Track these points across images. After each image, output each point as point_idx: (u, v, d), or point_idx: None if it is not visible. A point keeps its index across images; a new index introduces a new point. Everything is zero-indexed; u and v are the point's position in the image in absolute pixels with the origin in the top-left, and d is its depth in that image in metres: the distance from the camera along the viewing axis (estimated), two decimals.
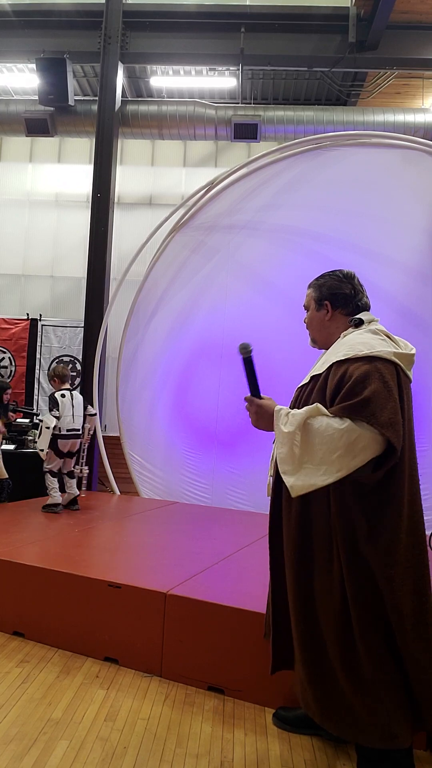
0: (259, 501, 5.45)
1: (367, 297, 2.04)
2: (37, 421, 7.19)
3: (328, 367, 1.84)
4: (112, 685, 2.41)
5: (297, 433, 1.70)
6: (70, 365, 7.47)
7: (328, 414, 1.69)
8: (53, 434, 4.52)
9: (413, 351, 1.87)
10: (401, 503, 1.75)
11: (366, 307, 2.01)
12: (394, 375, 1.74)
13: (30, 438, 6.49)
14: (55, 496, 4.53)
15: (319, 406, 1.72)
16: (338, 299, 2.00)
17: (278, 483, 1.90)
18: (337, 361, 1.81)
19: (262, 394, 1.88)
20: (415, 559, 1.73)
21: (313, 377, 1.92)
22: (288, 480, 1.71)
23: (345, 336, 1.93)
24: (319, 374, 1.87)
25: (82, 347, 6.64)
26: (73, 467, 4.82)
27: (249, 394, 1.87)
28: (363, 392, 1.67)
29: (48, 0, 7.07)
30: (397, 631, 1.69)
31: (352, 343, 1.82)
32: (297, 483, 1.69)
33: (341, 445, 1.64)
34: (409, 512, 1.75)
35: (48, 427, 4.47)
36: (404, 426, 1.75)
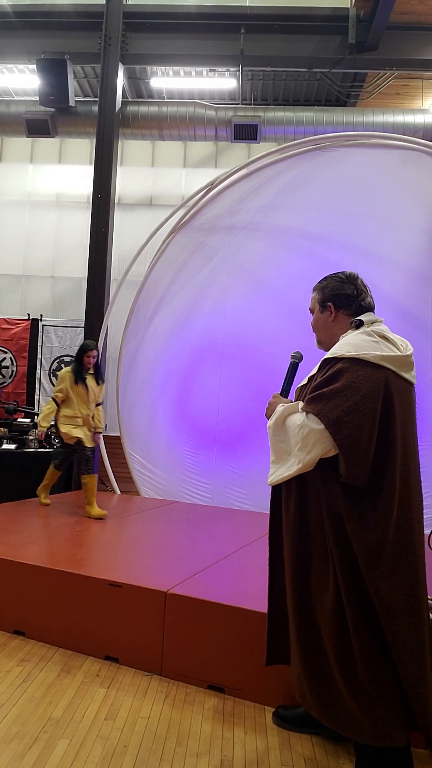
0: (260, 500, 5.46)
1: (371, 297, 2.06)
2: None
3: (320, 366, 1.91)
4: (112, 684, 2.42)
5: (278, 427, 1.87)
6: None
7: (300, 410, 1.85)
8: None
9: (408, 352, 1.87)
10: (390, 506, 1.74)
11: (370, 307, 2.03)
12: (374, 379, 1.76)
13: (31, 438, 6.50)
14: None
15: (299, 402, 1.86)
16: (341, 300, 2.03)
17: None
18: (324, 359, 1.89)
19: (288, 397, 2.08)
20: (404, 561, 1.73)
21: (310, 378, 1.97)
22: (270, 469, 1.89)
23: (343, 337, 1.95)
24: (314, 374, 1.94)
25: None
26: None
27: (279, 391, 2.05)
28: (323, 389, 1.78)
29: (48, 1, 7.08)
30: (387, 632, 1.69)
31: (342, 343, 1.89)
32: (273, 473, 1.88)
33: (299, 439, 1.78)
34: (398, 514, 1.74)
35: None
36: (395, 430, 1.77)
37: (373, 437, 1.73)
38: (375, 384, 1.75)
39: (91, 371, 4.74)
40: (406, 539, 1.74)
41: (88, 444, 4.66)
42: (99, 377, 4.80)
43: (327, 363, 1.87)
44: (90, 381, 4.69)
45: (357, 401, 1.72)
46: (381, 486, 1.75)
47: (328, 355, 1.88)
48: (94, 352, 4.68)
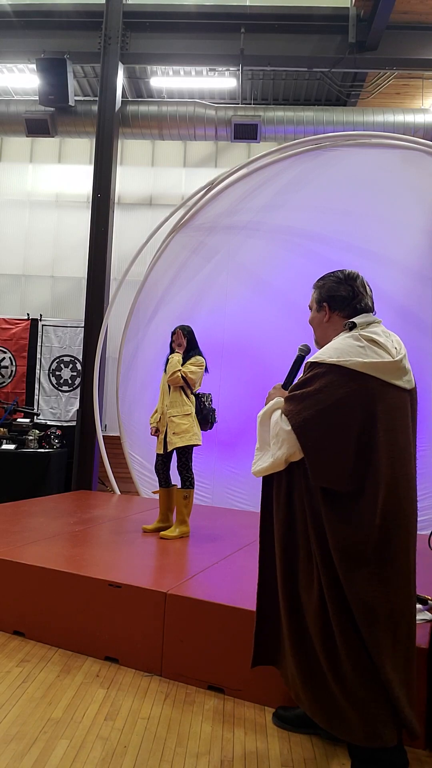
0: (260, 501, 5.45)
1: (369, 298, 2.01)
2: (38, 421, 7.20)
3: (304, 368, 1.94)
4: (112, 684, 2.42)
5: (264, 418, 1.93)
6: (71, 365, 7.47)
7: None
8: None
9: (398, 357, 1.81)
10: (372, 512, 1.71)
11: (366, 309, 1.99)
12: (352, 386, 1.74)
13: (30, 438, 6.50)
14: None
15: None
16: (335, 302, 2.00)
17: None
18: (307, 361, 1.92)
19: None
20: (388, 567, 1.71)
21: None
22: (255, 456, 1.95)
23: (335, 339, 1.93)
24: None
25: (82, 347, 6.64)
26: None
27: (281, 383, 2.07)
28: (297, 391, 1.82)
29: (48, 0, 7.07)
30: (364, 634, 1.69)
31: (327, 347, 1.89)
32: (256, 461, 1.95)
33: (274, 434, 1.85)
34: (381, 522, 1.70)
35: None
36: (377, 437, 1.73)
37: (346, 444, 1.72)
38: (351, 391, 1.74)
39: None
40: (389, 547, 1.71)
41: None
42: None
43: (308, 366, 1.88)
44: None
45: (327, 406, 1.73)
46: (362, 491, 1.73)
47: (311, 358, 1.89)
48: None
